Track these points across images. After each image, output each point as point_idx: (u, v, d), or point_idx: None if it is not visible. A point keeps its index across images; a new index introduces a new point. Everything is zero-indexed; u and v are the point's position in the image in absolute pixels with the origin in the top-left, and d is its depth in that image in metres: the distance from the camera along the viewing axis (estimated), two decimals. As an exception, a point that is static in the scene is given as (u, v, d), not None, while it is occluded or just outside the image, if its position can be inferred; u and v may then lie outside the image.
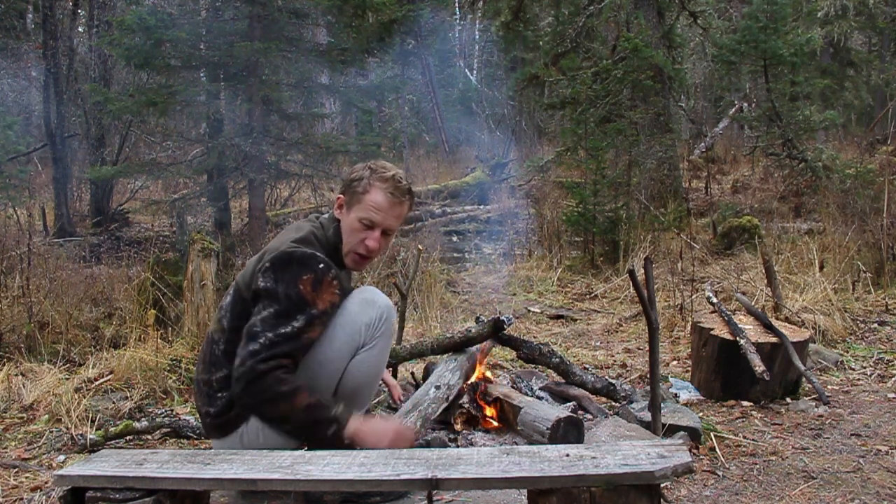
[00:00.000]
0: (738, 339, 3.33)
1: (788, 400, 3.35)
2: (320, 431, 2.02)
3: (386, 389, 3.04)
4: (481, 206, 11.40)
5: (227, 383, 2.11)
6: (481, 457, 1.86)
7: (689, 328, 4.37)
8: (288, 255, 2.06)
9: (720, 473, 2.58)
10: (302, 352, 2.04)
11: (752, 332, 3.45)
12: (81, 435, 2.94)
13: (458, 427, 2.86)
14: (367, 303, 2.17)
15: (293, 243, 2.10)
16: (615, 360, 4.19)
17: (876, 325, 4.61)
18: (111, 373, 3.70)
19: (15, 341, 4.05)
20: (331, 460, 1.89)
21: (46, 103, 10.27)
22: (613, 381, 3.29)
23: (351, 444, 2.01)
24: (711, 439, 2.82)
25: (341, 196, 2.23)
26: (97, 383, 3.60)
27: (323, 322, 2.07)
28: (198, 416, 2.32)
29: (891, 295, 5.12)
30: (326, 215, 2.31)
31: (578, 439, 2.59)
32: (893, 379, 3.66)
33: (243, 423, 2.14)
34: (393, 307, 2.23)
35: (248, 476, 1.81)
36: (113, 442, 2.94)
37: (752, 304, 4.07)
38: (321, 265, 2.07)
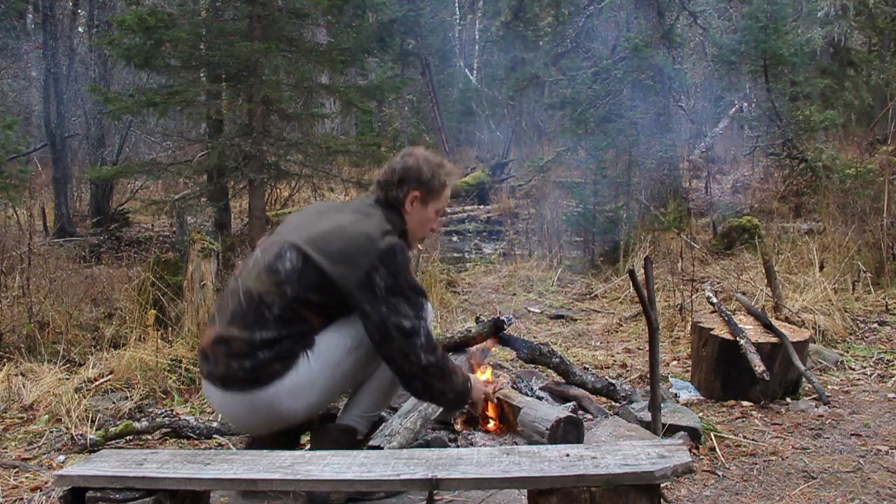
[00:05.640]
0: (738, 339, 3.32)
1: (788, 400, 3.35)
2: (465, 394, 2.31)
3: None
4: (481, 206, 11.40)
5: (273, 345, 2.16)
6: (481, 457, 1.86)
7: (689, 328, 4.37)
8: (392, 248, 2.20)
9: (720, 473, 2.58)
10: None
11: (752, 332, 3.45)
12: (81, 435, 2.94)
13: (458, 427, 2.86)
14: None
15: (387, 233, 2.24)
16: (615, 360, 4.19)
17: (876, 325, 4.60)
18: (111, 373, 3.70)
19: (15, 341, 4.05)
20: (331, 460, 1.89)
21: (46, 103, 10.26)
22: (613, 381, 3.29)
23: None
24: (711, 439, 2.82)
25: (416, 193, 2.37)
26: (97, 383, 3.60)
27: None
28: (207, 392, 2.32)
29: (891, 295, 5.11)
30: (370, 202, 2.41)
31: (578, 439, 2.59)
32: (893, 379, 3.66)
33: (277, 381, 2.16)
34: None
35: (248, 476, 1.81)
36: (113, 442, 2.95)
37: (752, 304, 4.07)
38: (409, 253, 2.29)
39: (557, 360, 3.20)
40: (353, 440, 2.34)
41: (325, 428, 2.40)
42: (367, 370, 2.34)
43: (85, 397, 3.31)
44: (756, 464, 2.66)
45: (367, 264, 2.15)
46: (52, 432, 3.04)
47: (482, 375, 3.08)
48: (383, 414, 2.96)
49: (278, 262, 2.21)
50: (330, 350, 2.23)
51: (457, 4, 22.87)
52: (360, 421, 2.38)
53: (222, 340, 2.21)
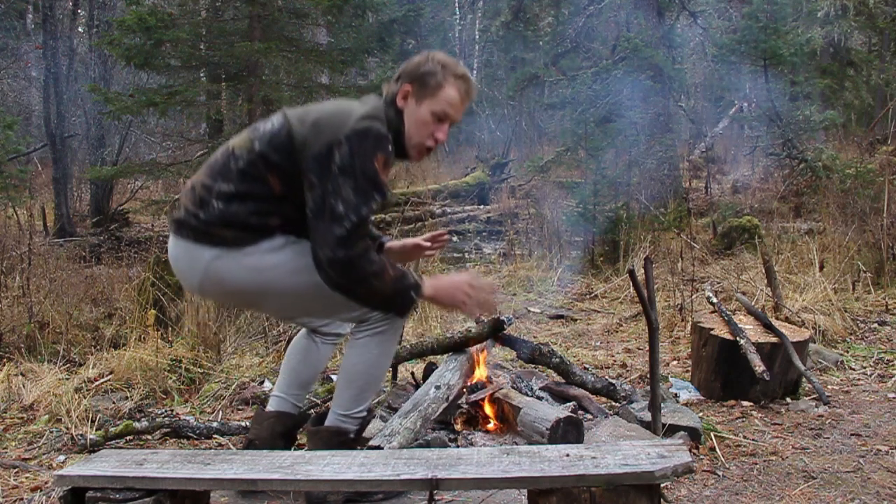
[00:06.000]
0: (738, 339, 3.32)
1: (788, 400, 3.35)
2: (405, 300, 2.14)
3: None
4: (481, 206, 11.39)
5: (228, 199, 2.13)
6: (481, 457, 1.86)
7: (689, 328, 4.37)
8: (366, 131, 2.07)
9: (720, 473, 2.58)
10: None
11: (752, 332, 3.45)
12: (81, 435, 2.94)
13: (458, 427, 2.86)
14: None
15: (369, 118, 2.10)
16: (615, 360, 4.19)
17: (876, 325, 4.60)
18: (111, 373, 3.70)
19: (15, 341, 4.06)
20: (331, 460, 1.89)
21: (46, 103, 10.27)
22: (613, 381, 3.29)
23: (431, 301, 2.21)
24: (711, 439, 2.82)
25: (408, 86, 2.21)
26: (97, 383, 3.60)
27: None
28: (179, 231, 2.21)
29: (891, 295, 5.11)
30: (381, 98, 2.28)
31: (578, 439, 2.59)
32: (893, 379, 3.66)
33: (225, 248, 2.13)
34: None
35: (248, 476, 1.81)
36: (113, 442, 2.94)
37: (752, 304, 4.07)
38: (389, 147, 2.11)
39: (557, 360, 3.20)
40: (345, 441, 2.30)
41: (317, 430, 2.38)
42: (319, 304, 2.24)
43: (85, 397, 3.30)
44: (756, 464, 2.66)
45: (333, 137, 2.06)
46: (52, 432, 3.04)
47: (482, 372, 3.09)
48: (382, 413, 2.96)
49: (263, 124, 2.21)
50: (293, 254, 2.17)
51: (457, 4, 22.87)
52: (347, 420, 2.32)
53: (191, 187, 2.21)
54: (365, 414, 2.37)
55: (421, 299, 2.18)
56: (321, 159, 2.06)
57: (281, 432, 2.45)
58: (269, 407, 2.50)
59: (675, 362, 4.13)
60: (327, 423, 2.35)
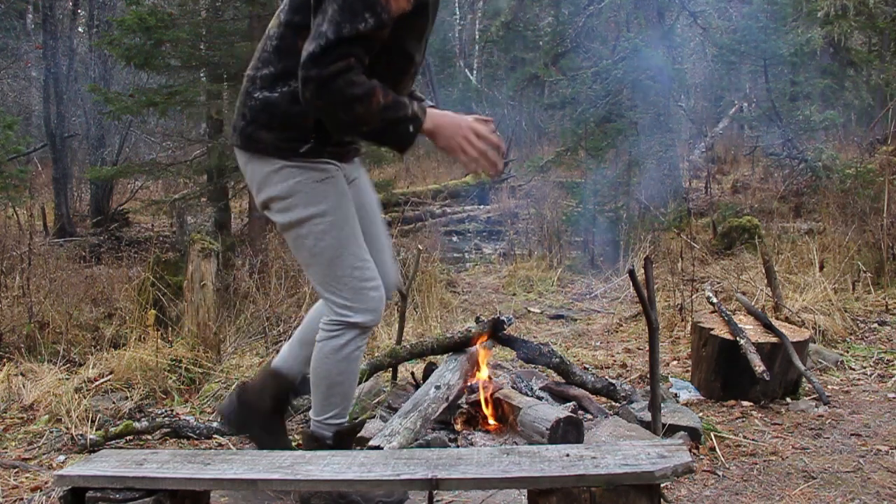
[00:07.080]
0: (738, 339, 3.33)
1: (788, 400, 3.35)
2: (400, 131, 1.94)
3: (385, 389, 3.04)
4: (481, 206, 11.39)
5: (271, 83, 2.05)
6: (481, 457, 1.86)
7: (689, 328, 4.37)
8: None
9: (720, 473, 2.58)
10: (369, 52, 1.90)
11: (752, 332, 3.45)
12: (81, 435, 2.94)
13: (458, 427, 2.86)
14: None
15: None
16: (615, 360, 4.19)
17: (876, 325, 4.60)
18: (111, 373, 3.70)
19: (15, 341, 4.06)
20: (331, 460, 1.89)
21: (46, 103, 10.28)
22: (613, 381, 3.29)
23: (429, 136, 1.99)
24: (711, 439, 2.82)
25: None
26: (97, 383, 3.60)
27: (390, 26, 1.91)
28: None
29: (891, 295, 5.11)
30: None
31: (578, 439, 2.59)
32: (893, 379, 3.66)
33: (255, 154, 2.08)
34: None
35: (248, 476, 1.81)
36: (113, 442, 2.95)
37: (752, 304, 4.07)
38: None
39: (557, 360, 3.20)
40: (322, 448, 2.20)
41: (303, 431, 2.34)
42: (307, 252, 2.11)
43: (85, 397, 3.31)
44: (756, 464, 2.66)
45: None
46: (52, 432, 3.04)
47: (482, 373, 3.09)
48: (382, 413, 2.96)
49: None
50: (324, 193, 2.07)
51: (457, 4, 22.87)
52: (321, 427, 2.23)
53: (244, 81, 2.16)
54: (338, 423, 2.23)
55: (419, 134, 1.96)
56: None
57: (271, 394, 2.35)
58: (273, 363, 2.40)
59: (675, 362, 4.13)
60: (311, 427, 2.28)
